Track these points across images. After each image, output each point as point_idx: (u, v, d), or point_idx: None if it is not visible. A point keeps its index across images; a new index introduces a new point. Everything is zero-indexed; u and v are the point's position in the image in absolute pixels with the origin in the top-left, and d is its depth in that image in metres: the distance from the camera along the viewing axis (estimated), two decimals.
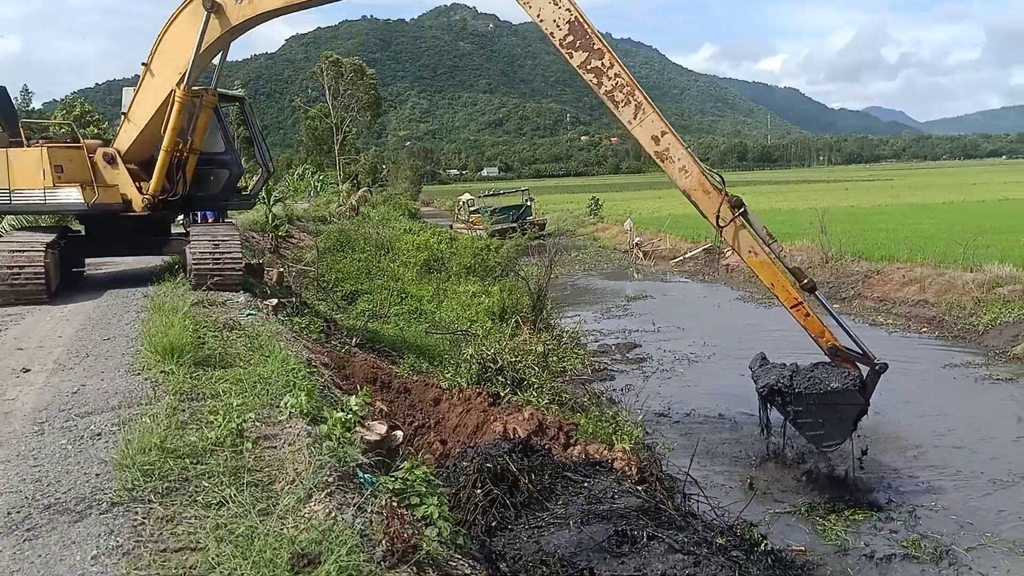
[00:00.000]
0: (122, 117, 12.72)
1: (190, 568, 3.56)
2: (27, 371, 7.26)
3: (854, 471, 10.05)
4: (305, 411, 5.69)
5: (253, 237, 23.91)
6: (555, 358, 14.48)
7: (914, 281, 21.61)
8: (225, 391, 6.24)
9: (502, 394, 10.59)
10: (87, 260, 13.88)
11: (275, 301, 11.82)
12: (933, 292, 20.47)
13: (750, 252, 9.72)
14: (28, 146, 11.89)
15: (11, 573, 3.59)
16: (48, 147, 11.73)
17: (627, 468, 8.80)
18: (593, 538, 6.69)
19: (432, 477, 5.01)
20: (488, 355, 11.93)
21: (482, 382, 11.13)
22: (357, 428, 5.56)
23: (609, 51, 9.64)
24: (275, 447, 5.12)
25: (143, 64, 12.11)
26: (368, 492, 4.52)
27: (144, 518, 4.07)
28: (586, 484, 7.96)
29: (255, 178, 15.38)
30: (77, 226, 14.31)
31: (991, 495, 9.44)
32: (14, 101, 13.13)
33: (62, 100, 49.59)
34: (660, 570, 6.14)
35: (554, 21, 9.69)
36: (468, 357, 12.15)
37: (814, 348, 10.25)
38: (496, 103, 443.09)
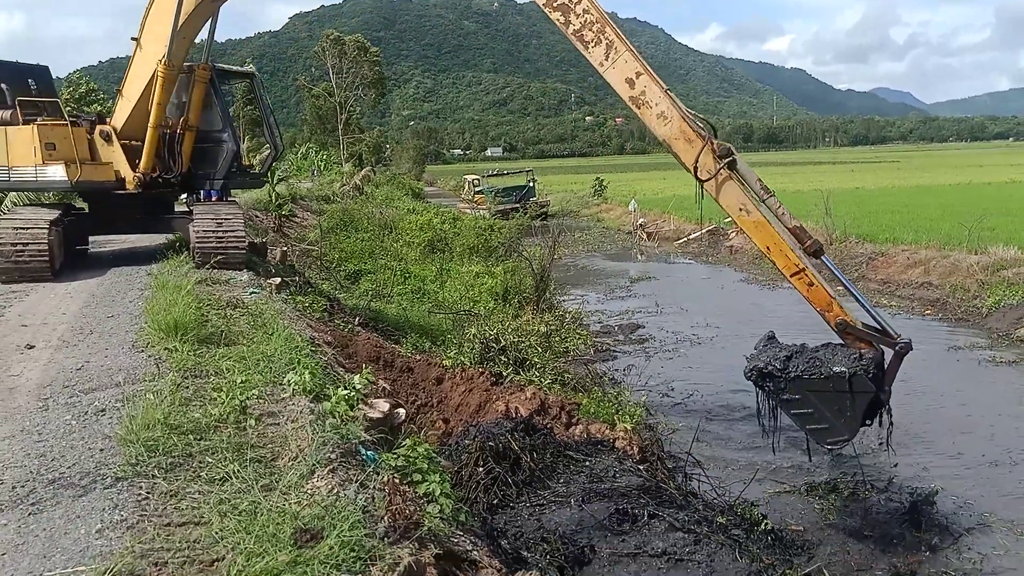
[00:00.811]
0: (117, 94, 12.68)
1: (194, 542, 3.59)
2: (31, 347, 7.29)
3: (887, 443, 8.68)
4: (308, 388, 5.72)
5: (256, 216, 23.88)
6: (558, 338, 14.51)
7: (918, 263, 21.56)
8: (228, 368, 6.26)
9: (504, 373, 10.62)
10: (91, 238, 13.91)
11: (278, 280, 11.83)
12: (937, 274, 20.43)
13: (741, 210, 8.30)
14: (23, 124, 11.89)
15: (16, 546, 3.62)
16: (39, 125, 11.70)
17: (629, 448, 8.85)
18: (594, 516, 6.74)
19: (434, 455, 5.03)
20: (491, 335, 11.96)
21: (485, 362, 11.17)
22: (360, 406, 5.59)
23: None
24: (278, 424, 5.15)
25: (133, 39, 12.03)
26: (370, 469, 4.55)
27: (148, 493, 4.10)
28: (587, 463, 8.01)
29: (260, 156, 15.37)
30: (81, 204, 14.32)
31: (992, 476, 9.48)
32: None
33: (66, 78, 49.39)
34: (661, 548, 6.19)
35: None
36: (471, 337, 12.18)
37: (827, 330, 9.33)
38: (500, 83, 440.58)
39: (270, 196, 26.30)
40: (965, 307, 18.27)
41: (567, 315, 17.83)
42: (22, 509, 3.98)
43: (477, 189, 51.31)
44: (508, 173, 59.91)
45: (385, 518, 3.92)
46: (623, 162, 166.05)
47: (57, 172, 11.61)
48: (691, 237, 33.15)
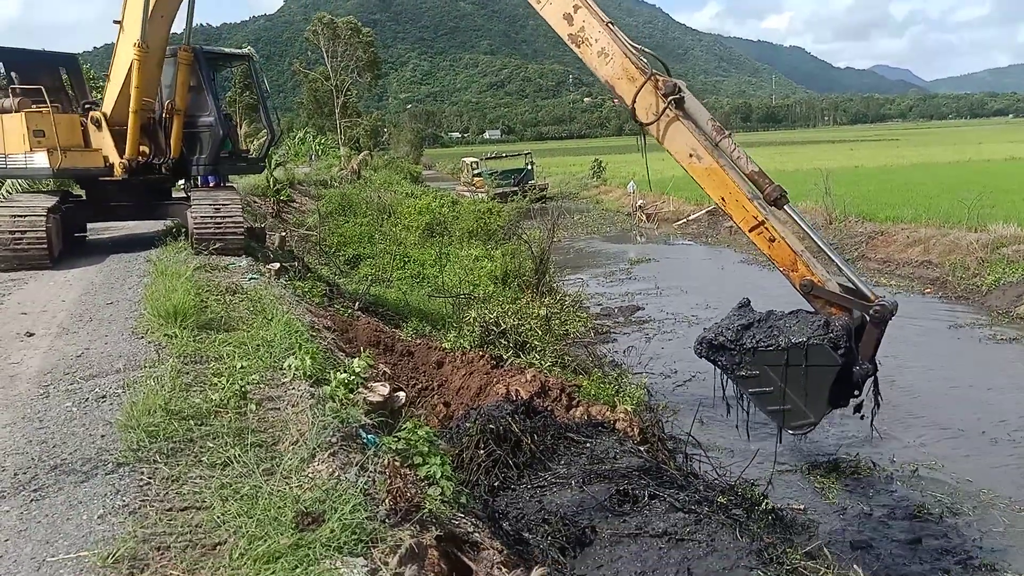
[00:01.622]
0: (106, 79, 12.59)
1: (196, 526, 3.61)
2: (31, 335, 7.29)
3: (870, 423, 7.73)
4: (308, 373, 5.72)
5: (255, 201, 23.84)
6: (558, 321, 14.53)
7: (918, 242, 21.55)
8: (228, 354, 6.26)
9: (505, 356, 10.64)
10: (89, 225, 13.89)
11: (277, 265, 11.82)
12: (937, 253, 20.42)
13: (691, 156, 7.22)
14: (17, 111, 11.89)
15: (19, 532, 3.63)
16: (27, 113, 11.70)
17: (629, 429, 8.87)
18: (595, 497, 6.77)
19: (435, 438, 5.04)
20: (491, 318, 11.97)
21: (485, 345, 11.19)
22: (360, 389, 5.59)
23: None
24: (278, 408, 5.15)
25: (115, 22, 11.88)
26: (371, 452, 4.55)
27: (150, 478, 4.11)
28: (588, 445, 8.03)
29: (258, 141, 15.27)
30: (80, 191, 14.29)
31: (992, 454, 9.52)
32: None
33: None
34: (661, 528, 6.22)
35: None
36: (471, 320, 12.19)
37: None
38: (498, 65, 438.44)
39: (268, 181, 26.24)
40: (965, 285, 18.27)
41: (567, 298, 17.84)
42: (24, 495, 3.99)
43: (475, 172, 51.17)
44: (506, 156, 59.72)
45: (386, 501, 3.93)
46: (621, 144, 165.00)
47: (40, 159, 11.64)
48: (690, 218, 33.11)
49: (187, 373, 5.76)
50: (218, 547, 3.43)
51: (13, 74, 12.36)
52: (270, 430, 4.78)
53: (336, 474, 4.13)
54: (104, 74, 12.70)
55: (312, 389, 5.48)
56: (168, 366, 5.80)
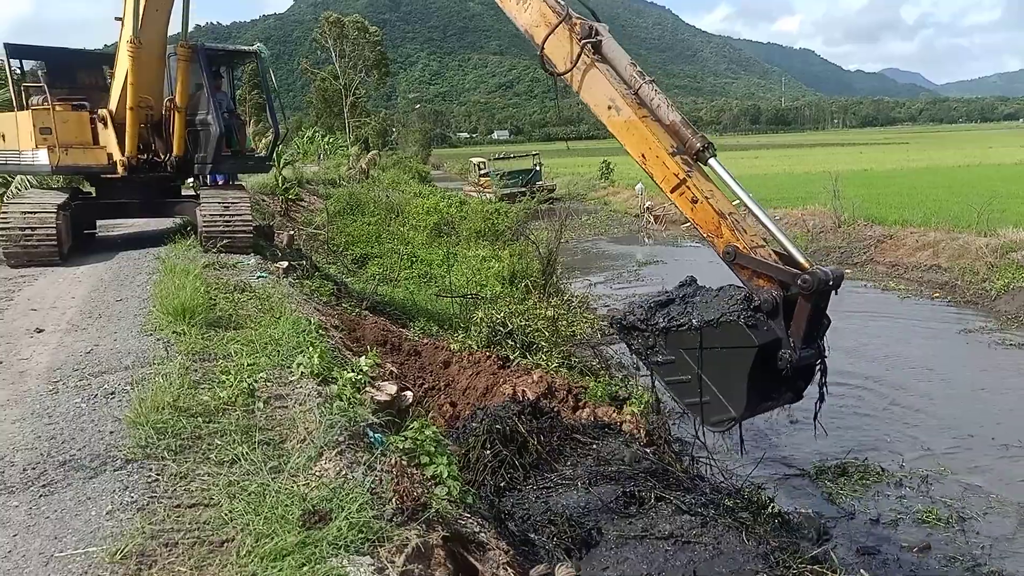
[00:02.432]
0: (110, 76, 12.63)
1: (204, 523, 3.61)
2: (40, 331, 7.32)
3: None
4: (316, 371, 5.72)
5: (263, 200, 23.89)
6: (565, 322, 14.50)
7: (927, 246, 21.46)
8: (236, 351, 6.27)
9: (512, 357, 10.64)
10: (99, 222, 13.95)
11: (285, 264, 11.85)
12: (946, 257, 20.34)
13: (610, 108, 6.40)
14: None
15: (28, 528, 3.65)
16: (34, 110, 11.81)
17: (636, 431, 8.86)
18: (601, 499, 6.75)
19: (441, 437, 5.05)
20: (498, 319, 11.96)
21: (492, 345, 11.18)
22: (367, 388, 5.60)
23: None
24: (286, 406, 5.16)
25: (117, 19, 11.89)
26: (378, 451, 4.56)
27: (158, 475, 4.12)
28: (594, 446, 8.02)
29: (266, 140, 15.27)
30: (89, 188, 14.35)
31: (1002, 459, 9.47)
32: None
33: None
34: (667, 530, 6.20)
35: None
36: (478, 320, 12.18)
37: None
38: (507, 65, 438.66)
39: (276, 180, 26.30)
40: (974, 290, 18.19)
41: (574, 299, 17.81)
42: (33, 491, 4.00)
43: (483, 172, 51.17)
44: (514, 156, 59.71)
45: (393, 500, 3.93)
46: None
47: (43, 156, 11.76)
48: None
49: (195, 370, 5.78)
50: (225, 544, 3.44)
51: (41, 72, 12.47)
52: (278, 428, 4.79)
53: (343, 473, 4.13)
54: (109, 70, 12.74)
55: (319, 387, 5.48)
56: (176, 363, 5.82)
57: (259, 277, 9.82)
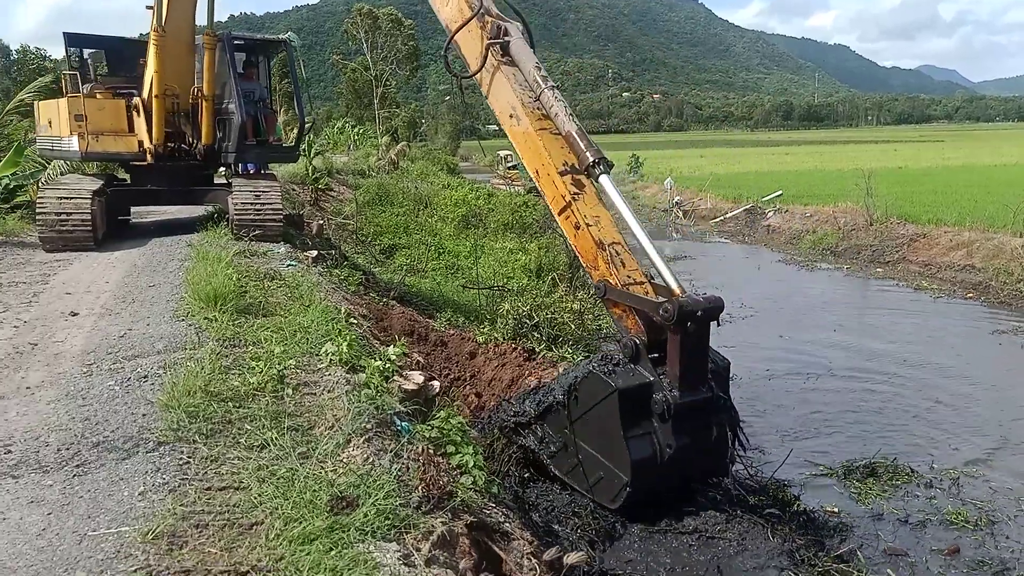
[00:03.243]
0: (142, 65, 12.78)
1: (233, 506, 3.66)
2: (75, 315, 7.45)
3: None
4: (344, 359, 5.77)
5: (293, 189, 24.08)
6: (591, 316, 14.46)
7: (961, 246, 21.09)
8: (266, 338, 6.34)
9: (537, 349, 10.62)
10: (132, 208, 14.15)
11: (315, 253, 11.94)
12: (980, 257, 19.98)
13: (511, 116, 6.13)
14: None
15: (62, 507, 3.72)
16: (69, 98, 12.05)
17: None
18: None
19: (467, 428, 5.07)
20: (524, 311, 11.96)
21: (518, 337, 11.18)
22: (395, 377, 5.64)
23: None
24: (315, 393, 5.21)
25: (148, 7, 12.03)
26: (405, 439, 4.59)
27: (189, 457, 4.19)
28: None
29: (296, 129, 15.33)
30: (124, 175, 14.56)
31: None
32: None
33: None
34: (692, 525, 6.18)
35: None
36: (504, 312, 12.19)
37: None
38: (537, 58, 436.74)
39: (307, 170, 26.50)
40: (1008, 291, 17.85)
41: None
42: (67, 471, 4.08)
43: (511, 165, 51.10)
44: None
45: (419, 488, 3.96)
46: (660, 139, 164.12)
47: (75, 143, 12.02)
48: (728, 216, 32.76)
49: (226, 356, 5.85)
50: (255, 527, 3.49)
51: (89, 61, 12.76)
52: (306, 414, 4.83)
53: (370, 460, 4.17)
54: (141, 60, 12.91)
55: (348, 375, 5.53)
56: (208, 349, 5.89)
57: (289, 265, 9.90)
